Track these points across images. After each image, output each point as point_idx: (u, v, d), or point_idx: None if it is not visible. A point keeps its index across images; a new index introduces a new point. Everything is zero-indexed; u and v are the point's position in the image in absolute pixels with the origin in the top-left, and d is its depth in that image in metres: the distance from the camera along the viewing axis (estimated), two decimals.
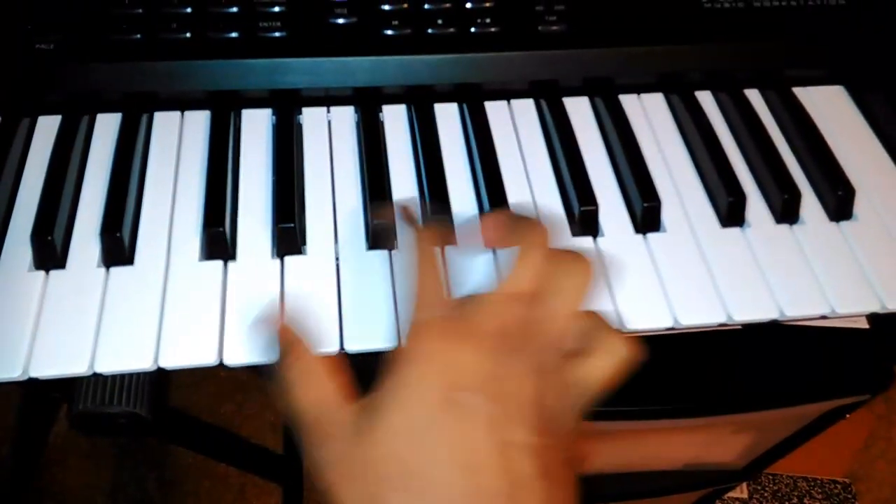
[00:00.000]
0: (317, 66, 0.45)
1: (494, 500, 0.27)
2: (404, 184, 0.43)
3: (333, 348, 0.36)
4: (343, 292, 0.38)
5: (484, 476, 0.27)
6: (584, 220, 0.42)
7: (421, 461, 0.27)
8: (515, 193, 0.43)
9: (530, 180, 0.44)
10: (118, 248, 0.38)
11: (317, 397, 0.31)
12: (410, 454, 0.28)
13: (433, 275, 0.33)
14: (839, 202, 0.43)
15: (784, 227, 0.43)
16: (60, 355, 0.35)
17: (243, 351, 0.36)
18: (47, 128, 0.43)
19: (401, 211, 0.40)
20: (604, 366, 0.31)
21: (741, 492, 1.31)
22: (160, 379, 0.51)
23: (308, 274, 0.39)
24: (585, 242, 0.41)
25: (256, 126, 0.45)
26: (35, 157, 0.42)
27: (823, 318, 0.40)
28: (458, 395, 0.28)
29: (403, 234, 0.36)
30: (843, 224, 0.43)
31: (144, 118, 0.44)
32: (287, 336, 0.34)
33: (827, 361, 0.68)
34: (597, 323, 0.32)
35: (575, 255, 0.33)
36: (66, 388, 0.63)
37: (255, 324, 0.36)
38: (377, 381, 0.30)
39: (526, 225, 0.35)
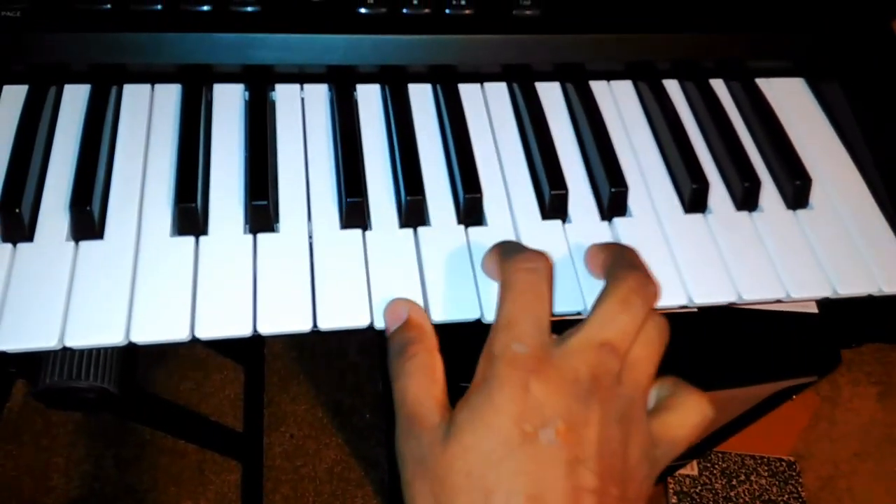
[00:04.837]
0: (290, 43, 0.44)
1: None
2: (378, 164, 0.43)
3: (306, 326, 0.37)
4: (316, 270, 0.38)
5: None
6: (554, 203, 0.43)
7: (494, 485, 0.28)
8: (488, 176, 0.43)
9: (502, 163, 0.45)
10: (88, 222, 0.38)
11: (424, 394, 0.32)
12: (486, 476, 0.28)
13: (536, 309, 0.32)
14: (797, 191, 0.45)
15: (744, 214, 0.44)
16: (29, 329, 0.34)
17: (216, 325, 0.36)
18: (13, 97, 0.42)
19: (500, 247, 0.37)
20: (688, 421, 0.33)
21: (691, 469, 1.36)
22: (129, 354, 0.51)
23: (281, 251, 0.39)
24: (555, 226, 0.42)
25: (228, 101, 0.45)
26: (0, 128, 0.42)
27: (778, 301, 0.42)
28: (541, 433, 0.29)
29: (510, 256, 0.34)
30: (800, 212, 0.45)
31: (114, 90, 0.44)
32: (421, 325, 0.35)
33: (777, 344, 0.71)
34: (677, 381, 0.34)
35: (656, 312, 0.33)
36: (23, 363, 0.62)
37: (394, 302, 0.37)
38: (469, 389, 0.31)
39: (626, 262, 0.35)
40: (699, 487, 1.35)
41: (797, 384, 0.76)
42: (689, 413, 0.33)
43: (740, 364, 0.71)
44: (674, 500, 1.33)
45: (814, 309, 0.72)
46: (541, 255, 0.34)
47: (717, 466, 1.37)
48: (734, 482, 1.36)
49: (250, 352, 1.39)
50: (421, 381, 0.32)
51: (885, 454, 1.45)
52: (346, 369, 1.43)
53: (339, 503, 1.30)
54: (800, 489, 1.37)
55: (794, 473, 1.38)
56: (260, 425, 1.33)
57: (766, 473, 1.37)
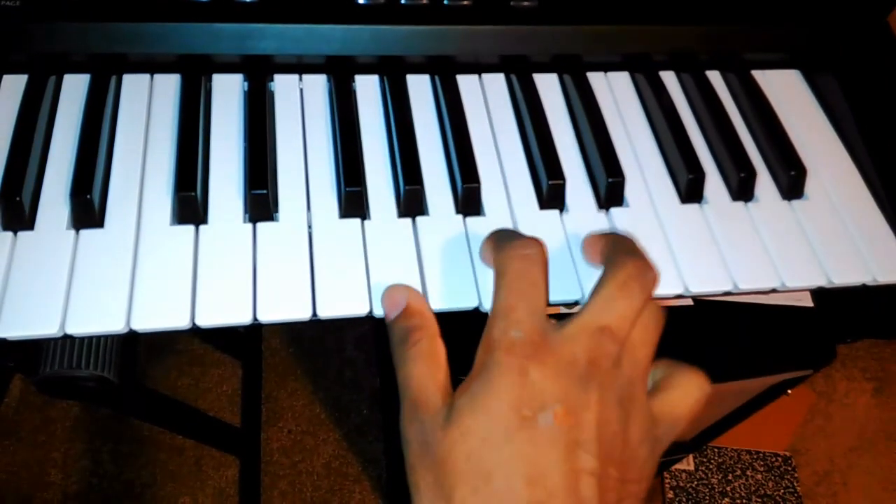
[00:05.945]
0: (289, 33, 0.44)
1: None
2: (376, 154, 0.44)
3: (306, 314, 0.37)
4: (315, 259, 0.39)
5: (552, 498, 0.28)
6: (552, 193, 0.43)
7: (494, 469, 0.29)
8: (486, 166, 0.44)
9: (500, 154, 0.45)
10: (88, 210, 0.38)
11: (427, 380, 0.32)
12: (485, 459, 0.29)
13: (531, 294, 0.32)
14: (792, 182, 0.45)
15: (739, 205, 0.45)
16: (30, 316, 0.35)
17: (216, 313, 0.36)
18: (13, 87, 0.42)
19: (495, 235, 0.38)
20: (688, 398, 0.33)
21: (687, 464, 1.36)
22: (129, 344, 0.51)
23: (280, 240, 0.39)
24: (552, 216, 0.43)
25: (227, 91, 0.45)
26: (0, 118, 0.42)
27: (773, 291, 0.42)
28: (540, 416, 0.29)
29: (504, 244, 0.35)
30: (795, 202, 0.45)
31: (113, 80, 0.44)
32: (422, 311, 0.35)
33: (773, 338, 0.71)
34: (670, 362, 0.34)
35: (653, 300, 0.33)
36: (21, 356, 0.62)
37: (392, 289, 0.37)
38: (469, 376, 0.31)
39: (625, 249, 0.35)
40: (695, 482, 1.35)
41: (792, 378, 0.76)
42: (688, 389, 0.33)
43: (736, 357, 0.71)
44: (670, 495, 1.34)
45: (809, 303, 0.73)
46: (534, 241, 0.34)
47: (713, 461, 1.37)
48: (730, 477, 1.36)
49: (248, 347, 1.39)
50: (424, 367, 0.33)
51: (880, 449, 1.46)
52: (343, 365, 1.44)
53: (336, 498, 1.31)
54: (795, 484, 1.37)
55: (789, 468, 1.39)
56: (258, 421, 1.33)
57: (761, 468, 1.38)
